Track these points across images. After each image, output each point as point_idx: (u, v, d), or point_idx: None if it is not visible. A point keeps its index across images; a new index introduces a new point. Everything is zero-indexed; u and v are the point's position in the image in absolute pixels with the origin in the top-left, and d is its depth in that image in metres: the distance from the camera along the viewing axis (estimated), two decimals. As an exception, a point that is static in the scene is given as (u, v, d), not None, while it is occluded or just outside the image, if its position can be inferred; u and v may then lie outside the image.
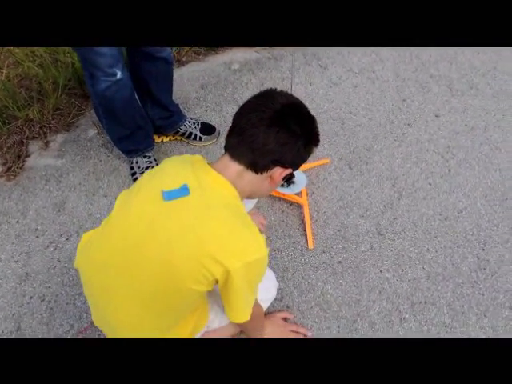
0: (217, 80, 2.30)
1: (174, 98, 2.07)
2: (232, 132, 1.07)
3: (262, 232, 1.30)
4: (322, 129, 2.05)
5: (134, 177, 1.87)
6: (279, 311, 1.50)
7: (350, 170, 1.91)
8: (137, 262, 1.00)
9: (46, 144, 2.05)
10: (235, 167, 1.04)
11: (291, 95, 1.10)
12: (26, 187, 1.86)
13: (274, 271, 1.58)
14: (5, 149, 2.01)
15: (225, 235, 0.97)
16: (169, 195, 0.99)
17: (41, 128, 2.08)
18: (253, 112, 1.04)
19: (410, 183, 1.85)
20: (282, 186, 1.75)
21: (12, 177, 1.92)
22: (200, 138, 2.00)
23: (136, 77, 1.72)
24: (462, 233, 1.69)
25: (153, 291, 1.01)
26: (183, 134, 2.00)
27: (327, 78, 2.29)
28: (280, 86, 2.16)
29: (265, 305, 1.44)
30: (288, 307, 1.52)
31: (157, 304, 1.03)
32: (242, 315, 1.08)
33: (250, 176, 1.05)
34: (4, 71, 2.26)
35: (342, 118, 2.10)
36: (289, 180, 1.19)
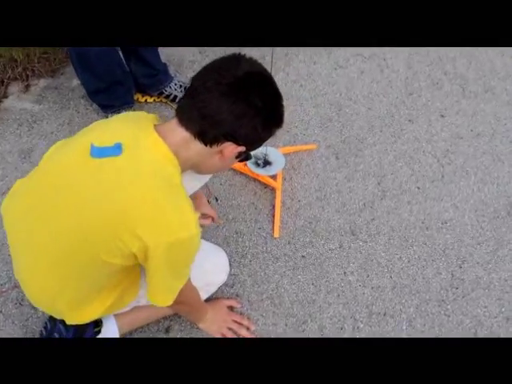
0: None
1: (167, 59, 1.95)
2: (186, 93, 0.95)
3: (200, 214, 1.21)
4: (317, 112, 1.90)
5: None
6: (227, 298, 1.40)
7: (337, 160, 1.77)
8: (55, 215, 0.91)
9: (27, 87, 1.96)
10: (181, 133, 0.93)
11: (260, 64, 0.97)
12: (-3, 129, 1.79)
13: (231, 255, 1.48)
14: (-17, 86, 1.93)
15: (147, 206, 0.87)
16: (97, 152, 0.90)
17: (24, 70, 1.99)
18: (211, 74, 0.92)
19: (397, 184, 1.71)
20: (258, 165, 1.63)
21: (-16, 116, 1.84)
22: None
23: None
24: (442, 246, 1.55)
25: (63, 252, 0.92)
26: (168, 97, 1.87)
27: (333, 60, 2.12)
28: (281, 62, 2.04)
29: (212, 289, 1.35)
30: (238, 295, 1.42)
31: (63, 268, 0.94)
32: (161, 299, 0.99)
33: (197, 146, 0.94)
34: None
35: (340, 104, 1.95)
36: (244, 160, 1.08)
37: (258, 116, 0.93)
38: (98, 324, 1.14)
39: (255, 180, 1.68)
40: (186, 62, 2.08)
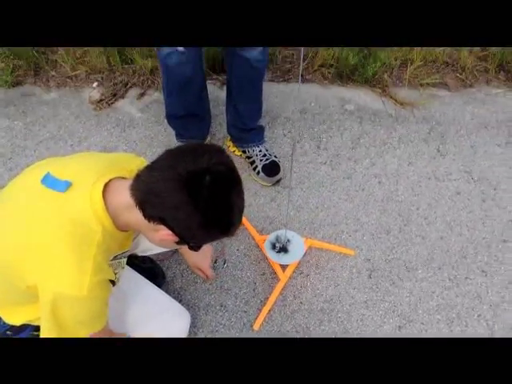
0: (320, 111, 2.09)
1: (267, 108, 1.93)
2: (150, 162, 0.96)
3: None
4: (379, 217, 1.69)
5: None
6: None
7: (368, 279, 1.55)
8: None
9: (141, 95, 2.19)
10: (126, 197, 0.93)
11: (229, 164, 0.92)
12: (100, 122, 2.04)
13: (203, 324, 1.43)
14: (111, 83, 2.22)
15: (48, 250, 0.90)
16: (47, 180, 0.96)
17: (147, 80, 2.23)
18: (176, 157, 0.91)
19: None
20: (274, 247, 1.53)
21: (98, 109, 2.12)
22: (258, 173, 1.78)
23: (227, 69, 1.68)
24: None
25: None
26: (249, 158, 1.84)
27: (433, 167, 1.86)
28: (373, 152, 1.88)
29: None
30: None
31: None
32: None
33: (137, 215, 0.93)
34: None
35: (411, 219, 1.70)
36: (192, 249, 1.03)
37: (196, 215, 0.88)
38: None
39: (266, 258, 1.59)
40: (282, 116, 2.07)
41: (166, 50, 1.47)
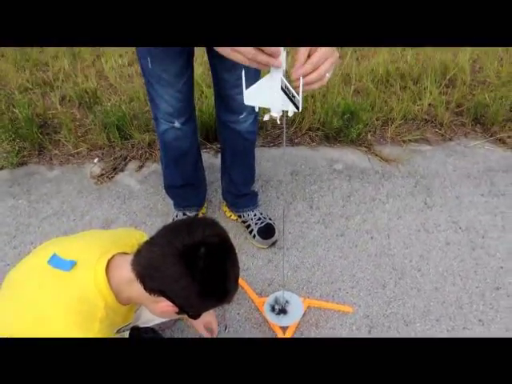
0: (310, 172, 2.20)
1: (260, 172, 2.03)
2: (150, 238, 1.03)
3: None
4: (374, 272, 1.75)
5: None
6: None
7: (368, 334, 1.57)
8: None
9: (140, 167, 2.30)
10: (128, 272, 1.00)
11: (223, 235, 1.00)
12: (101, 196, 2.14)
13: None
14: (111, 158, 2.35)
15: (53, 328, 0.95)
16: (53, 261, 1.03)
17: (145, 153, 2.36)
18: (172, 232, 0.99)
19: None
20: (273, 310, 1.56)
21: (99, 183, 2.23)
22: (254, 236, 1.86)
23: (220, 140, 1.79)
24: None
25: None
26: (244, 222, 1.92)
27: (421, 219, 1.94)
28: (364, 209, 1.96)
29: None
30: None
31: None
32: None
33: (139, 289, 0.99)
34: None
35: (405, 272, 1.75)
36: (192, 318, 1.08)
37: (194, 285, 0.94)
38: None
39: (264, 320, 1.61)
40: (274, 180, 2.17)
41: (163, 126, 1.59)
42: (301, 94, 0.84)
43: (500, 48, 2.93)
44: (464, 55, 2.78)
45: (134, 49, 3.04)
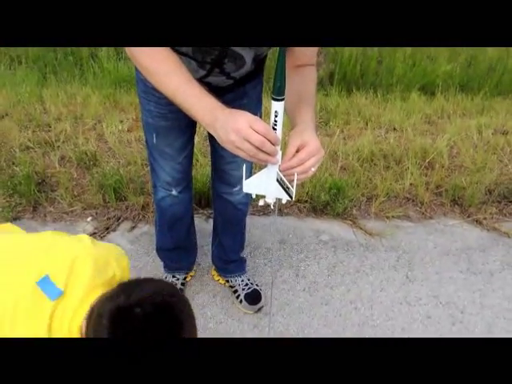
0: (298, 241, 2.28)
1: (249, 239, 2.10)
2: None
3: None
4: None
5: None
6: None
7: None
8: None
9: (132, 228, 2.36)
10: None
11: (170, 305, 0.94)
12: (91, 254, 2.16)
13: None
14: (105, 218, 2.41)
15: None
16: (42, 283, 0.99)
17: (138, 214, 2.43)
18: (120, 287, 0.98)
19: None
20: None
21: (91, 241, 2.26)
22: (241, 301, 1.90)
23: (213, 207, 1.87)
24: None
25: None
26: (231, 287, 1.97)
27: (404, 292, 2.00)
28: (348, 279, 2.03)
29: None
30: None
31: None
32: None
33: None
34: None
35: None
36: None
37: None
38: None
39: None
40: (262, 247, 2.24)
41: (161, 194, 1.67)
42: (295, 186, 0.98)
43: (475, 136, 3.18)
44: (442, 141, 3.01)
45: (134, 116, 3.23)
